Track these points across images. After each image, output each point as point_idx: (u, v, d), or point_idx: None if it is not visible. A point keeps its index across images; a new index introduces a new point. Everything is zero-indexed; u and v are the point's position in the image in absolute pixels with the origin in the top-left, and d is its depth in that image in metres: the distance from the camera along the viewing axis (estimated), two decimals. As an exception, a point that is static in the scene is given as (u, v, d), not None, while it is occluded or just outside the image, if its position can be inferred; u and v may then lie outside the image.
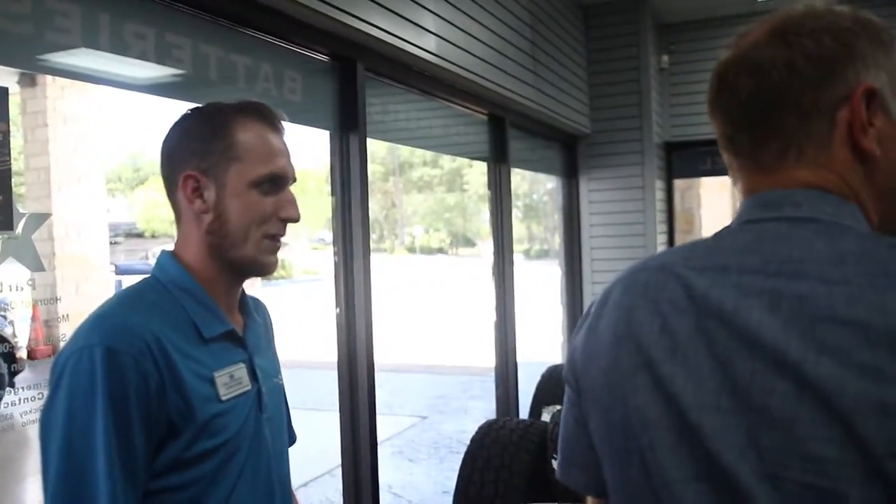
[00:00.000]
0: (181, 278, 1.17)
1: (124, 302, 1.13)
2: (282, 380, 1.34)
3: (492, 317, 4.37)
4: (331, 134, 2.82)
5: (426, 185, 28.60)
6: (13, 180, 1.65)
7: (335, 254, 2.82)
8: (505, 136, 4.37)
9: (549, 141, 5.41)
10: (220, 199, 1.16)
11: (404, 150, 26.62)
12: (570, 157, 5.66)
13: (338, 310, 2.82)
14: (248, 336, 1.24)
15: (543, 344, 6.68)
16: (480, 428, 3.52)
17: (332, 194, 2.84)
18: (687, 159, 6.08)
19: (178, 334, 1.11)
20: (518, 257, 4.49)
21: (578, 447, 0.90)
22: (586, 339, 0.88)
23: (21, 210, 1.68)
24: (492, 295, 4.38)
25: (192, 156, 1.17)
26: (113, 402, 1.02)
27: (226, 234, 1.17)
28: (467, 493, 3.31)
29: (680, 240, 6.88)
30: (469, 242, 30.46)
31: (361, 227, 2.81)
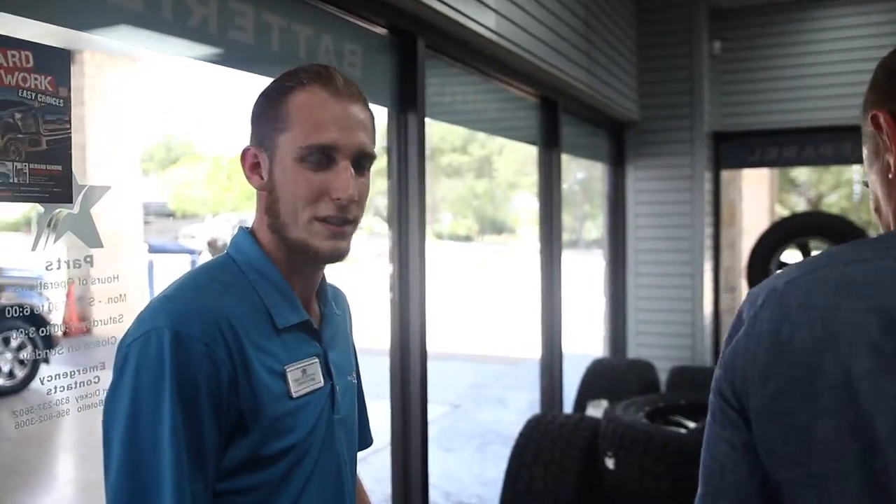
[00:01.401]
0: (258, 260, 1.08)
1: (195, 283, 1.03)
2: (357, 377, 1.25)
3: (538, 307, 4.27)
4: (389, 111, 2.72)
5: (455, 171, 28.52)
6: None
7: (390, 238, 2.72)
8: (557, 120, 4.25)
9: (597, 127, 5.27)
10: (272, 175, 1.06)
11: (434, 136, 26.61)
12: (618, 144, 5.51)
13: (392, 295, 2.72)
14: (324, 328, 1.14)
15: (581, 336, 6.55)
16: (528, 422, 3.41)
17: (388, 176, 2.75)
18: (735, 150, 5.89)
19: (251, 322, 1.02)
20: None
21: (732, 476, 0.76)
22: (756, 349, 0.74)
23: (80, 182, 1.57)
24: (538, 285, 4.28)
25: (253, 129, 1.10)
26: (182, 390, 0.93)
27: (277, 213, 1.06)
28: (515, 487, 3.20)
29: (724, 234, 6.69)
30: (497, 230, 30.33)
31: (418, 211, 2.71)
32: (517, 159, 25.95)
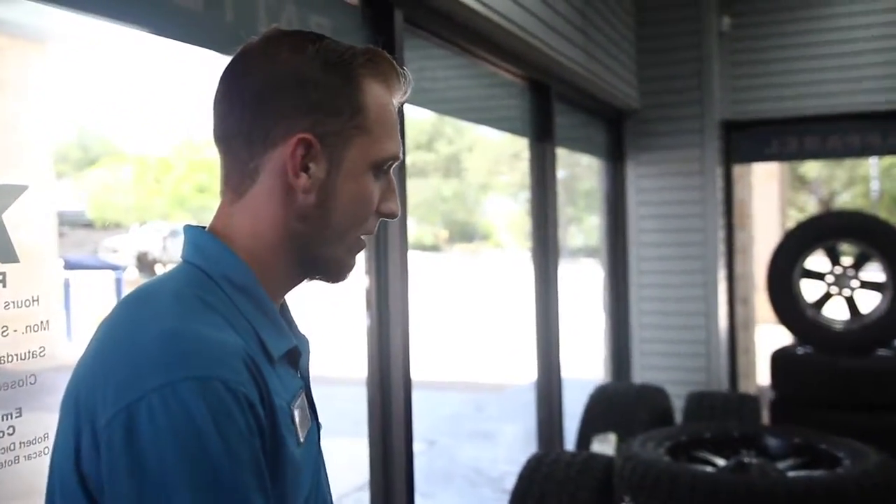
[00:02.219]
0: (239, 273, 0.97)
1: (186, 309, 0.91)
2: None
3: (531, 324, 4.19)
4: (362, 97, 2.60)
5: (419, 171, 28.49)
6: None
7: (366, 249, 2.60)
8: (550, 107, 4.18)
9: (591, 116, 5.21)
10: (331, 178, 0.98)
11: (394, 131, 26.43)
12: (616, 135, 5.46)
13: (369, 314, 2.61)
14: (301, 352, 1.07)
15: (577, 357, 6.48)
16: (529, 462, 3.31)
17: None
18: (748, 141, 5.87)
19: (256, 354, 0.93)
20: (525, 254, 4.31)
21: None
22: None
23: (-13, 182, 1.43)
24: (531, 298, 4.19)
25: (311, 110, 0.97)
26: (243, 463, 0.83)
27: (325, 226, 0.99)
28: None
29: (738, 236, 6.69)
30: (467, 237, 30.35)
31: (399, 217, 2.59)
32: (490, 158, 25.99)
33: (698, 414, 4.23)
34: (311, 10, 2.36)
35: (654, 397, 4.33)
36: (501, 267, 20.34)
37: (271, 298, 1.00)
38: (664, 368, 5.17)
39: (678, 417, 4.47)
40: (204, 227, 1.02)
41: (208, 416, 0.81)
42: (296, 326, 1.10)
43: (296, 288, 1.06)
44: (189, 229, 1.02)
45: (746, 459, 3.19)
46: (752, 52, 5.62)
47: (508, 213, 27.87)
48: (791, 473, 3.04)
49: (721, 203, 5.46)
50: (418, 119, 24.24)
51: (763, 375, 6.19)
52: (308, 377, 1.07)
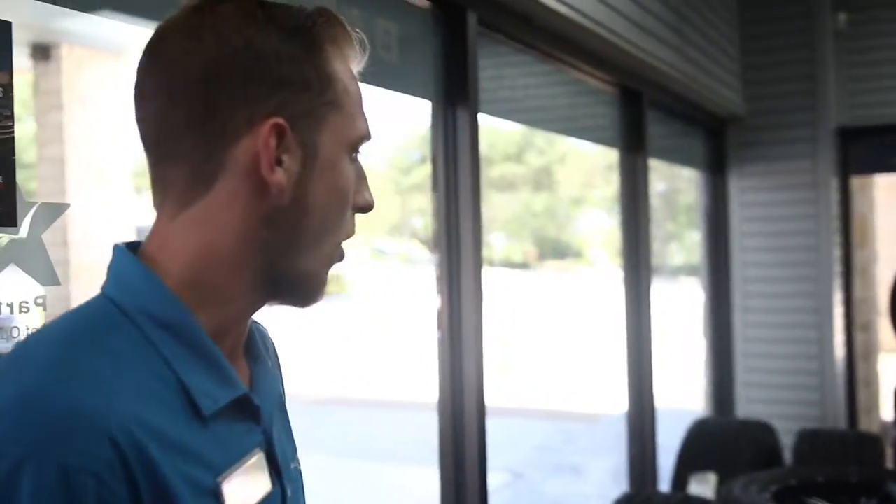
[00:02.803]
0: (166, 307, 0.82)
1: (66, 357, 0.76)
2: (300, 463, 1.02)
3: (621, 351, 4.08)
4: (432, 106, 2.59)
5: (508, 184, 28.51)
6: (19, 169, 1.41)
7: (437, 265, 2.59)
8: (642, 115, 4.09)
9: (690, 125, 5.11)
10: (306, 170, 0.84)
11: (481, 141, 26.59)
12: (718, 145, 5.34)
13: (440, 335, 2.58)
14: (262, 398, 0.91)
15: (675, 387, 6.31)
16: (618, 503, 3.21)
17: (434, 189, 2.61)
18: (868, 150, 5.63)
19: (162, 413, 0.77)
20: (617, 271, 4.21)
21: None
22: None
23: (28, 200, 1.43)
24: (622, 322, 4.09)
25: (276, 88, 0.82)
26: None
27: (302, 231, 0.85)
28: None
29: (858, 255, 6.42)
30: (559, 254, 30.15)
31: (472, 232, 2.57)
32: (583, 169, 25.81)
33: (810, 455, 4.06)
34: (377, 13, 2.37)
35: (759, 434, 4.19)
36: (594, 286, 20.12)
37: (221, 334, 0.86)
38: (771, 402, 4.98)
39: (787, 458, 4.30)
40: (131, 248, 0.87)
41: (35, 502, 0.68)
42: (264, 361, 0.96)
43: (254, 315, 0.92)
44: (115, 250, 0.87)
45: (866, 508, 3.02)
46: (873, 51, 5.41)
47: (602, 228, 27.57)
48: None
49: (836, 218, 5.25)
50: (507, 130, 24.27)
51: (888, 411, 5.89)
52: (272, 428, 0.92)
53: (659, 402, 4.15)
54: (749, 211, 5.28)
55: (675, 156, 5.30)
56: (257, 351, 0.96)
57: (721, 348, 5.24)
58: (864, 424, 6.09)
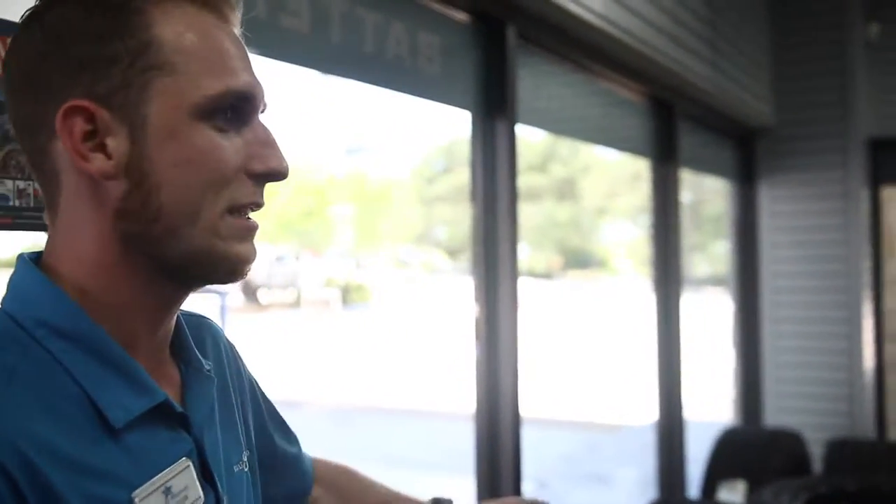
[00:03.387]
0: (61, 314, 0.77)
1: None
2: (248, 462, 0.96)
3: (650, 361, 4.11)
4: (472, 117, 2.64)
5: (532, 194, 28.51)
6: None
7: (474, 274, 2.63)
8: (674, 126, 4.14)
9: (720, 135, 5.12)
10: (138, 147, 0.76)
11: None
12: (748, 155, 5.34)
13: (478, 346, 2.62)
14: (192, 404, 0.86)
15: (704, 398, 6.31)
16: (649, 510, 3.23)
17: (472, 199, 2.66)
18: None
19: (57, 429, 0.71)
20: (645, 282, 4.21)
21: None
22: None
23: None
24: (651, 333, 4.11)
25: (77, 71, 0.76)
26: None
27: (157, 215, 0.77)
28: None
29: (888, 266, 6.40)
30: (582, 264, 30.08)
31: (510, 243, 2.62)
32: (607, 179, 25.76)
33: (840, 464, 4.06)
34: (419, 27, 2.41)
35: (788, 443, 4.19)
36: (618, 295, 20.05)
37: (132, 340, 0.80)
38: (801, 412, 4.97)
39: (816, 467, 4.29)
40: (33, 257, 0.82)
41: None
42: (197, 364, 0.90)
43: (179, 305, 0.86)
44: (18, 259, 0.82)
45: (897, 518, 3.02)
46: (905, 61, 5.41)
47: (626, 238, 27.48)
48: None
49: (866, 229, 5.24)
50: (531, 140, 24.30)
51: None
52: (204, 434, 0.86)
53: (688, 414, 4.17)
54: (778, 221, 5.27)
55: (706, 166, 5.31)
56: (189, 354, 0.89)
57: (750, 358, 5.24)
58: (894, 435, 6.06)
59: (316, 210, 23.70)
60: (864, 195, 5.21)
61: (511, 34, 2.66)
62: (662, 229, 4.16)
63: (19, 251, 0.82)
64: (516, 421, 2.68)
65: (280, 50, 1.95)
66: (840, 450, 4.18)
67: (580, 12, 2.80)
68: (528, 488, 6.41)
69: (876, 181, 5.58)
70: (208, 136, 0.77)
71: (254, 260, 0.84)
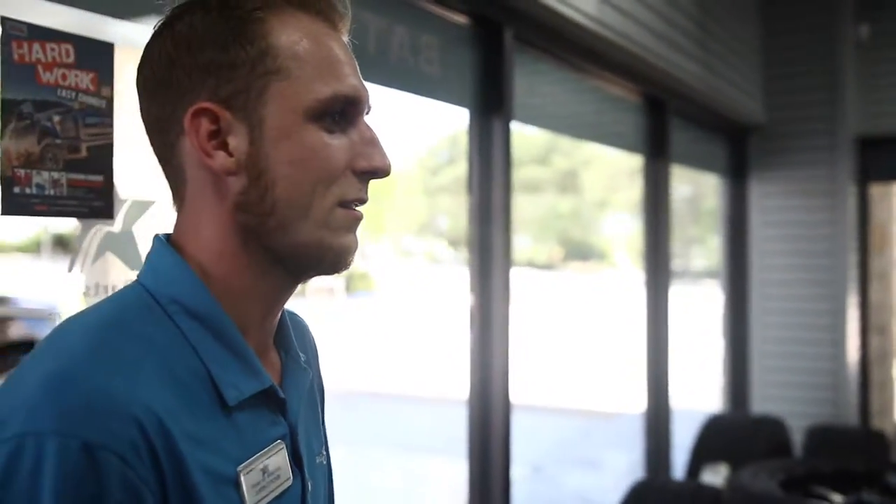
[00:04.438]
0: (197, 298, 0.83)
1: (97, 342, 0.76)
2: (326, 456, 1.02)
3: (640, 351, 4.21)
4: (470, 114, 2.74)
5: (534, 187, 28.51)
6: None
7: (469, 265, 2.74)
8: (666, 123, 4.22)
9: (713, 132, 5.21)
10: (256, 146, 0.82)
11: (508, 144, 26.50)
12: (739, 152, 5.43)
13: (470, 334, 2.73)
14: (289, 392, 0.90)
15: (694, 387, 6.41)
16: (633, 488, 3.35)
17: (468, 192, 2.76)
18: (887, 159, 5.69)
19: (186, 401, 0.77)
20: (639, 274, 4.27)
21: None
22: None
23: (121, 197, 1.63)
24: (641, 324, 4.22)
25: (203, 75, 0.82)
26: None
27: (272, 209, 0.82)
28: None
29: (875, 262, 6.49)
30: (583, 255, 30.10)
31: (503, 234, 2.72)
32: (608, 173, 25.76)
33: (819, 449, 4.16)
34: (421, 29, 2.51)
35: (771, 429, 4.28)
36: (617, 287, 20.13)
37: (247, 325, 0.86)
38: (785, 400, 5.08)
39: (798, 452, 4.39)
40: (165, 238, 0.88)
41: (56, 479, 0.67)
42: (295, 355, 0.95)
43: (289, 296, 0.91)
44: (154, 240, 0.88)
45: (867, 498, 3.13)
46: (894, 61, 5.48)
47: (626, 231, 27.53)
48: (917, 516, 2.98)
49: (854, 225, 5.33)
50: (533, 133, 24.29)
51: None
52: (298, 422, 0.90)
53: (676, 402, 4.26)
54: (768, 216, 5.37)
55: (698, 162, 5.39)
56: (289, 345, 0.95)
57: (738, 348, 5.34)
58: (879, 424, 6.16)
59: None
60: (851, 192, 5.30)
61: (508, 36, 2.75)
62: (654, 223, 4.25)
63: (154, 234, 0.88)
64: (506, 407, 2.76)
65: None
66: (821, 435, 4.29)
67: (573, 15, 2.90)
68: (523, 472, 6.53)
69: (864, 179, 5.68)
70: (318, 137, 0.83)
71: (356, 250, 0.89)
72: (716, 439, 4.24)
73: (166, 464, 0.72)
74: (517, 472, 6.76)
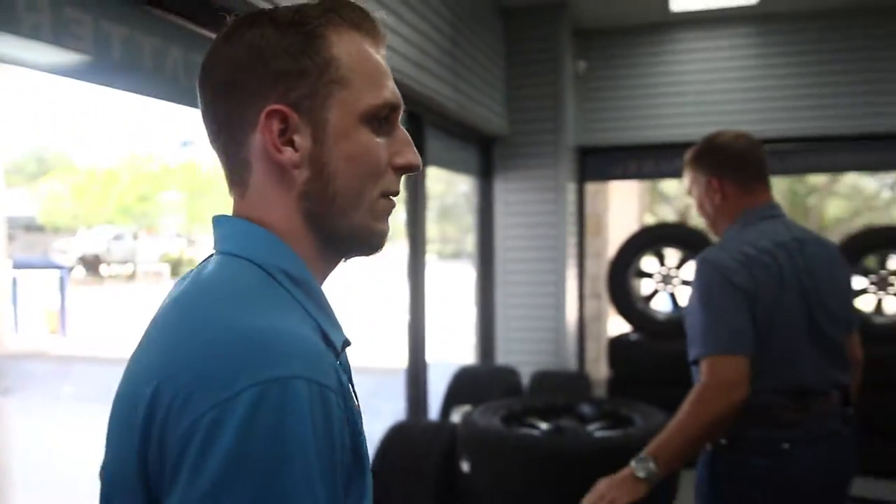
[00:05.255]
0: (296, 266, 0.81)
1: (257, 304, 0.74)
2: None
3: (404, 317, 4.31)
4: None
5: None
6: None
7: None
8: (422, 133, 4.32)
9: (465, 141, 5.38)
10: (319, 144, 0.82)
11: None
12: (487, 157, 5.65)
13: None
14: None
15: (455, 345, 6.64)
16: (391, 429, 3.45)
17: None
18: (599, 163, 6.16)
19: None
20: (432, 258, 4.42)
21: (740, 317, 1.97)
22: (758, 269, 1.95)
23: None
24: (404, 295, 4.32)
25: (274, 81, 0.81)
26: (329, 473, 0.68)
27: (332, 198, 0.83)
28: (374, 494, 3.22)
29: (590, 244, 6.99)
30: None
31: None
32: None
33: (541, 389, 4.43)
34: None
35: (506, 375, 4.51)
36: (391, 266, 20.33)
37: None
38: (521, 352, 5.38)
39: (526, 393, 4.66)
40: (244, 218, 0.85)
41: (317, 412, 0.67)
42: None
43: (333, 272, 0.91)
44: (225, 220, 0.85)
45: (564, 424, 3.39)
46: (603, 90, 5.91)
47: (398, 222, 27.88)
48: (597, 434, 3.27)
49: (573, 214, 5.71)
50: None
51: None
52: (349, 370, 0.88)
53: (438, 356, 4.37)
54: (510, 208, 5.63)
55: (455, 165, 5.56)
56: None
57: (487, 313, 5.58)
58: (595, 370, 6.67)
59: (151, 195, 22.45)
60: (571, 189, 5.67)
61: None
62: (413, 215, 4.36)
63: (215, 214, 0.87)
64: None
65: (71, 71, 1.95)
66: (540, 379, 4.58)
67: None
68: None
69: (582, 178, 6.11)
70: (369, 137, 0.85)
71: (388, 235, 0.90)
72: (464, 386, 4.41)
73: (347, 396, 0.73)
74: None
